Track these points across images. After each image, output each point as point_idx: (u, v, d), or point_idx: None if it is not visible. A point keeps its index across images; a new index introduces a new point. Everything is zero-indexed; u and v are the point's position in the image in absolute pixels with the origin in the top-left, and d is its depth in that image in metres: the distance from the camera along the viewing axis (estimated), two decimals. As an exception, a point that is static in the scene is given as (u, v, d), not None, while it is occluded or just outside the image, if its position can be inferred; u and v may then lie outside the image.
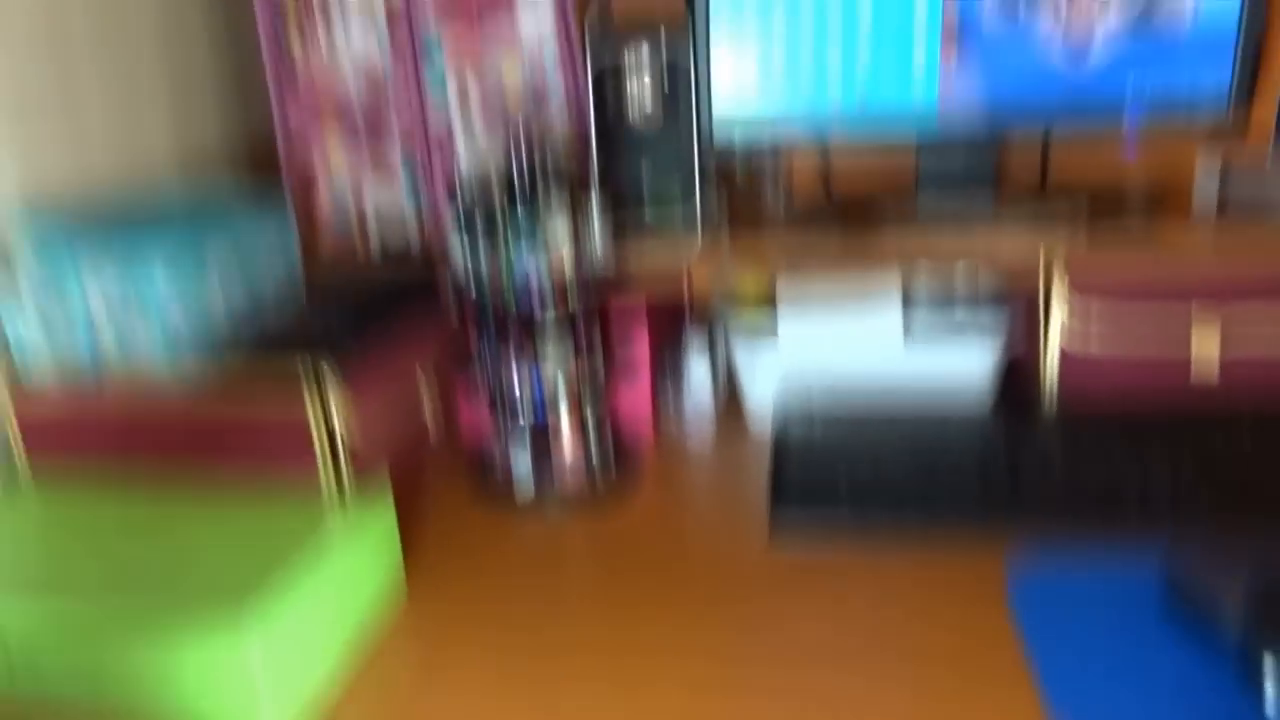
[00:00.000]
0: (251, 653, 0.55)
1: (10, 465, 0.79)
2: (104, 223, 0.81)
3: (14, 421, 0.77)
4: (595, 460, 0.88)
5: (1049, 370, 0.91)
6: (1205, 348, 0.87)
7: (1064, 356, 0.90)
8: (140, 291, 0.73)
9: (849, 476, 0.80)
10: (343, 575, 0.64)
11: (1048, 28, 0.92)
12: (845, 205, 1.13)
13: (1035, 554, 0.72)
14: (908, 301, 0.98)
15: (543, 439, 0.87)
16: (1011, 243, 0.88)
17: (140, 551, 0.65)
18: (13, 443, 0.77)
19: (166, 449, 0.75)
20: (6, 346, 0.78)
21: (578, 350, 0.85)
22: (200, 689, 0.56)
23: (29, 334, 0.77)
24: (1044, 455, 0.80)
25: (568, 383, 0.84)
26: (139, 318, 0.74)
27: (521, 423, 0.86)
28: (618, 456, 0.91)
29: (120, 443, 0.76)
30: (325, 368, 0.74)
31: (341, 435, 0.73)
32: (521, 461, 0.86)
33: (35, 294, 0.76)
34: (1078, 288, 0.89)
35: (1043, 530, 0.73)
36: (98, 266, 0.73)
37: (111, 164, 0.91)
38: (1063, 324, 0.90)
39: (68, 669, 0.58)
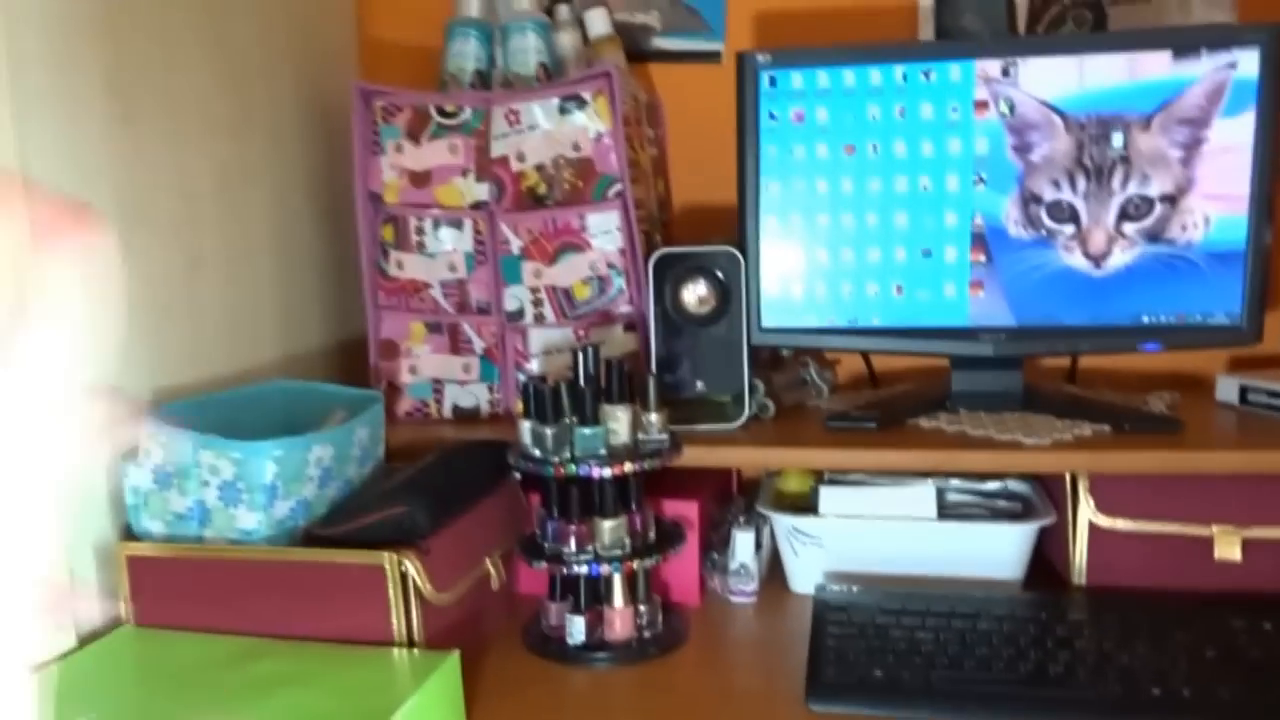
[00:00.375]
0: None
1: (116, 608, 0.87)
2: (222, 413, 0.93)
3: (125, 567, 0.86)
4: (644, 618, 0.94)
5: (1079, 543, 0.96)
6: (1226, 547, 0.92)
7: (1093, 530, 0.95)
8: (247, 477, 0.84)
9: (884, 653, 0.85)
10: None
11: (1067, 255, 1.01)
12: (884, 394, 1.21)
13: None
14: (941, 479, 1.04)
15: (595, 595, 0.94)
16: (1039, 459, 0.94)
17: (227, 699, 0.73)
18: (120, 587, 0.86)
19: (255, 598, 0.83)
20: (123, 500, 0.88)
21: (631, 515, 0.93)
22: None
23: (146, 491, 0.87)
24: (1070, 640, 0.84)
25: (620, 544, 0.91)
26: (244, 497, 0.84)
27: (576, 578, 0.93)
28: (665, 616, 0.96)
29: (214, 592, 0.84)
30: (402, 536, 0.82)
31: (414, 588, 0.80)
32: (575, 615, 0.92)
33: (156, 460, 0.86)
34: (1104, 510, 0.95)
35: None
36: (214, 451, 0.84)
37: (226, 366, 1.04)
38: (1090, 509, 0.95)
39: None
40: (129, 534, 0.89)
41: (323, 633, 0.81)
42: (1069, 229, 1.01)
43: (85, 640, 0.84)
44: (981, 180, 1.02)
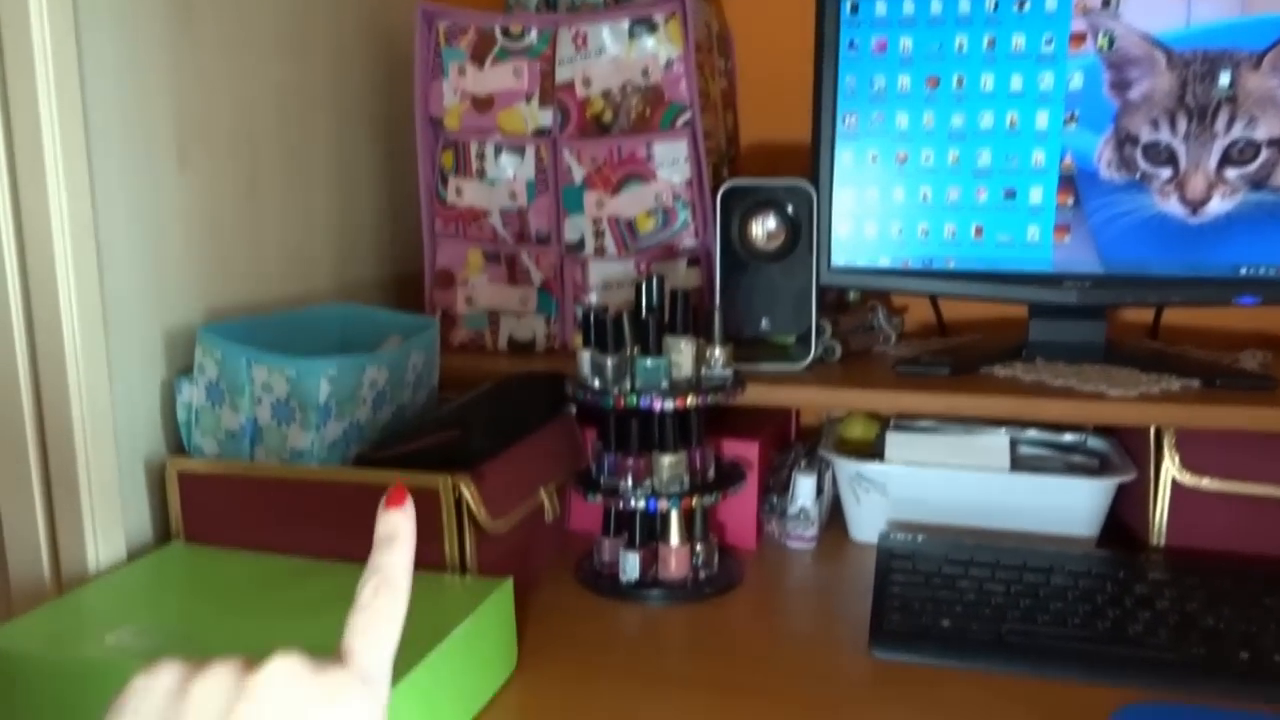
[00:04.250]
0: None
1: (166, 523, 0.86)
2: (277, 333, 0.91)
3: (175, 482, 0.84)
4: (699, 557, 0.91)
5: (1160, 502, 0.91)
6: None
7: (1176, 489, 0.91)
8: (301, 395, 0.82)
9: (951, 604, 0.81)
10: (465, 645, 0.68)
11: (1162, 201, 0.95)
12: (956, 341, 1.16)
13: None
14: (1015, 429, 1.00)
15: (650, 532, 0.91)
16: (1124, 410, 0.89)
17: (277, 614, 0.71)
18: (170, 503, 0.85)
19: (305, 519, 0.81)
20: (175, 416, 0.87)
21: (690, 451, 0.89)
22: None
23: (198, 407, 0.86)
24: (1151, 600, 0.80)
25: (679, 480, 0.88)
26: (297, 416, 0.82)
27: (632, 514, 0.90)
28: (720, 557, 0.94)
29: (265, 512, 0.83)
30: (456, 461, 0.80)
31: (468, 514, 0.78)
32: (629, 551, 0.90)
33: (210, 377, 0.84)
34: (1189, 467, 0.90)
35: (1146, 683, 0.73)
36: (267, 368, 0.82)
37: (281, 290, 1.02)
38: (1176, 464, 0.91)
39: None
40: (180, 451, 0.88)
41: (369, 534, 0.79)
42: (1165, 172, 0.95)
43: (135, 554, 0.83)
44: (1074, 118, 0.96)
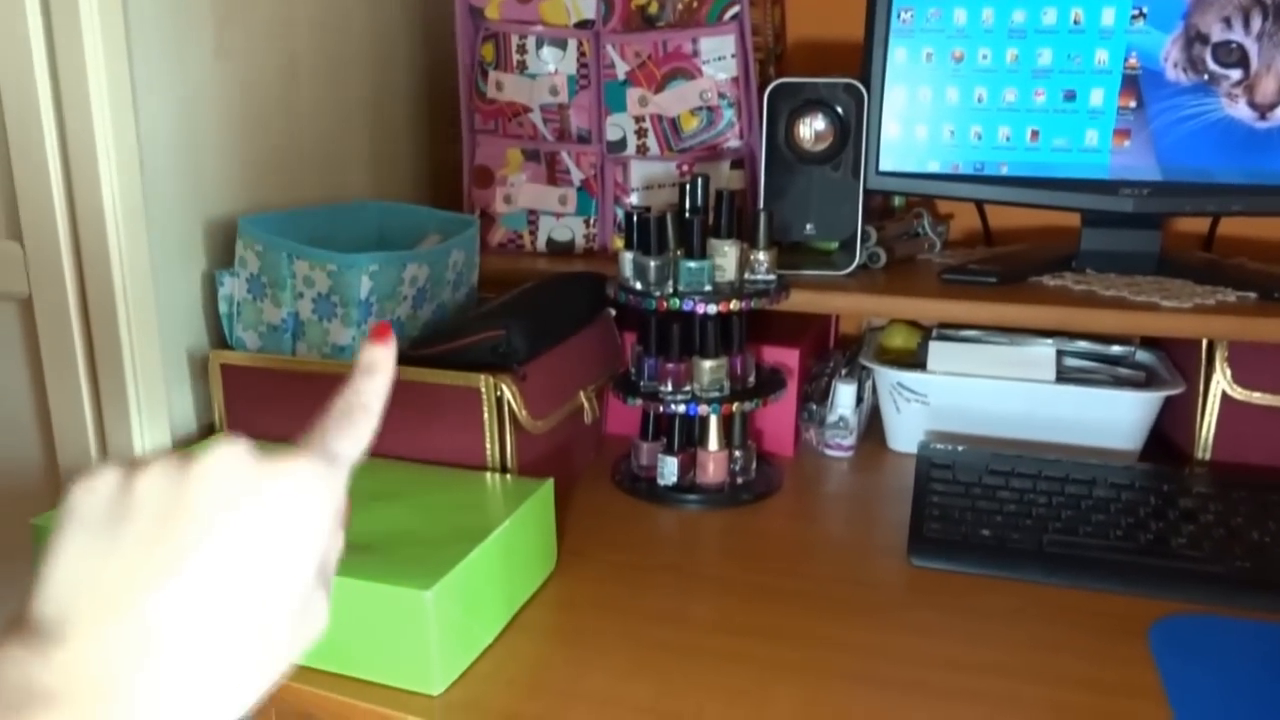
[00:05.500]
0: (429, 607, 0.60)
1: (210, 415, 0.87)
2: (316, 227, 0.90)
3: (218, 374, 0.85)
4: (738, 463, 0.91)
5: (1208, 416, 0.90)
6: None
7: (1225, 403, 0.89)
8: (342, 290, 0.81)
9: (991, 514, 0.81)
10: (507, 543, 0.69)
11: (1229, 104, 0.91)
12: (1003, 250, 1.14)
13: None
14: (1061, 340, 0.98)
15: (689, 437, 0.91)
16: (1177, 322, 0.87)
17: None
18: (214, 395, 0.86)
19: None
20: (218, 311, 0.87)
21: (732, 356, 0.89)
22: (385, 637, 0.61)
23: (240, 300, 0.85)
24: (1195, 514, 0.79)
25: (719, 385, 0.88)
26: (339, 311, 0.82)
27: (671, 418, 0.90)
28: (759, 464, 0.93)
29: (306, 406, 0.83)
30: (498, 359, 0.80)
31: (509, 413, 0.78)
32: (668, 455, 0.90)
33: (251, 270, 0.84)
34: (1241, 381, 0.88)
35: (1188, 596, 0.72)
36: (309, 263, 0.81)
37: (319, 184, 1.01)
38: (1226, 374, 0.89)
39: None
40: (222, 344, 0.88)
41: (415, 453, 0.80)
42: (1235, 74, 0.91)
43: (179, 445, 0.84)
44: (1141, 14, 0.92)
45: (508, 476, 0.78)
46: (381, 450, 0.80)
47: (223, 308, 0.87)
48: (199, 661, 0.32)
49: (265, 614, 0.34)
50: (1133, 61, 0.93)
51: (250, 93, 0.90)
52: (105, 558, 0.33)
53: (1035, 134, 0.97)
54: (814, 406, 1.01)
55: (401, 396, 0.80)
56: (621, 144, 1.05)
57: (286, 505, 0.35)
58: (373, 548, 0.64)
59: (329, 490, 0.37)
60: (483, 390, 0.77)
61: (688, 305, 0.84)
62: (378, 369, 0.41)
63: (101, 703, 0.30)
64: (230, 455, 0.36)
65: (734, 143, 1.03)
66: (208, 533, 0.33)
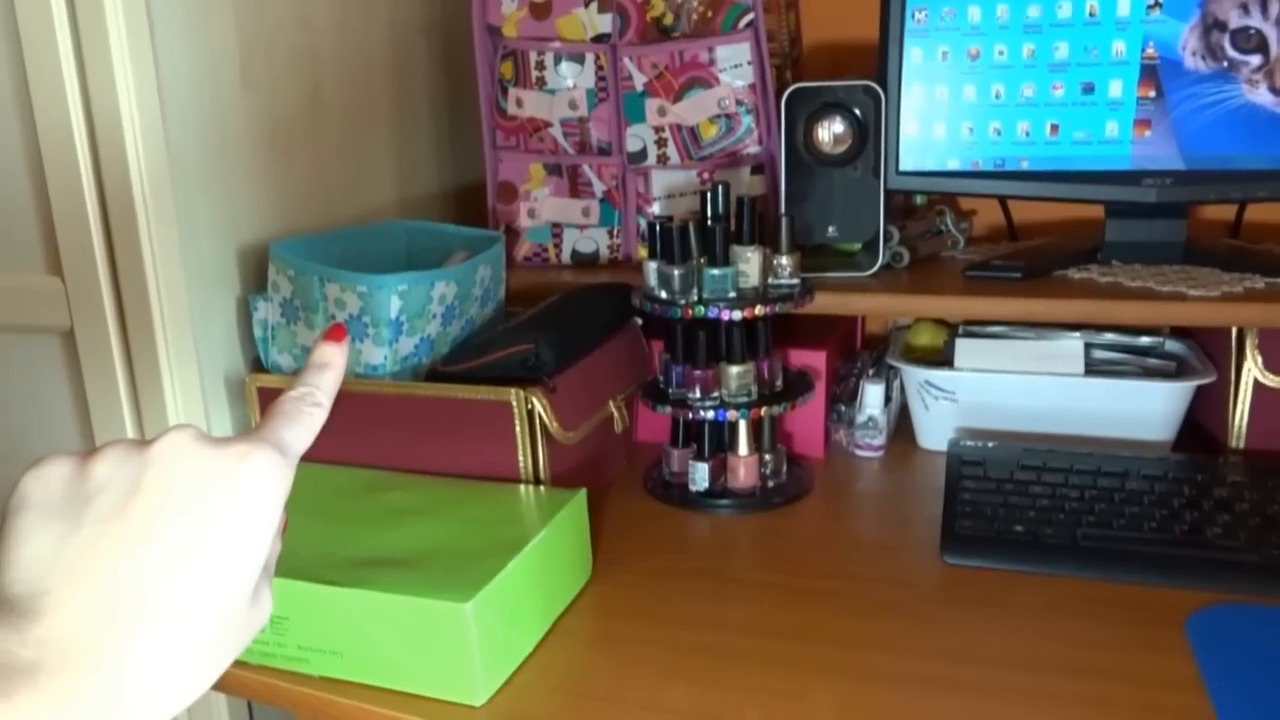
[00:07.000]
0: (469, 619, 0.61)
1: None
2: (346, 249, 0.92)
3: (255, 398, 0.87)
4: (768, 466, 0.92)
5: (1240, 405, 0.89)
6: None
7: (1258, 391, 0.88)
8: (373, 310, 0.82)
9: (1024, 509, 0.81)
10: (543, 554, 0.70)
11: (1250, 91, 0.91)
12: (1027, 244, 1.13)
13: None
14: (1089, 333, 0.98)
15: (719, 442, 0.92)
16: (1205, 311, 0.87)
17: (354, 521, 0.74)
18: (252, 418, 0.87)
19: (380, 432, 0.83)
20: (252, 334, 0.89)
21: (759, 361, 0.89)
22: (427, 651, 0.63)
23: (274, 324, 0.87)
24: (1230, 503, 0.79)
25: (747, 390, 0.88)
26: (370, 332, 0.83)
27: (701, 424, 0.91)
28: (789, 467, 0.94)
29: (341, 426, 0.84)
30: (527, 373, 0.81)
31: (540, 426, 0.79)
32: (698, 461, 0.91)
33: (284, 294, 0.86)
34: (1273, 368, 0.88)
35: (1226, 586, 0.72)
36: (339, 285, 0.83)
37: (345, 207, 1.03)
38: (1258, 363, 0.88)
39: (313, 632, 0.65)
40: (258, 367, 0.90)
41: (449, 468, 0.81)
42: (1255, 60, 0.90)
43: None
44: (1157, 4, 0.92)
45: (541, 488, 0.79)
46: (416, 466, 0.82)
47: (257, 332, 0.88)
48: (167, 633, 0.33)
49: (223, 593, 0.35)
50: (1150, 51, 0.93)
51: (276, 120, 0.92)
52: (69, 536, 0.34)
53: (1055, 128, 0.97)
54: (843, 407, 1.02)
55: (433, 412, 0.82)
56: (642, 154, 1.06)
57: (243, 488, 0.36)
58: (411, 562, 0.66)
59: (282, 479, 0.38)
60: (514, 404, 0.78)
61: (713, 312, 0.85)
62: (330, 366, 0.42)
63: (81, 672, 0.32)
64: (185, 439, 0.36)
65: (753, 149, 1.03)
66: (169, 509, 0.35)
